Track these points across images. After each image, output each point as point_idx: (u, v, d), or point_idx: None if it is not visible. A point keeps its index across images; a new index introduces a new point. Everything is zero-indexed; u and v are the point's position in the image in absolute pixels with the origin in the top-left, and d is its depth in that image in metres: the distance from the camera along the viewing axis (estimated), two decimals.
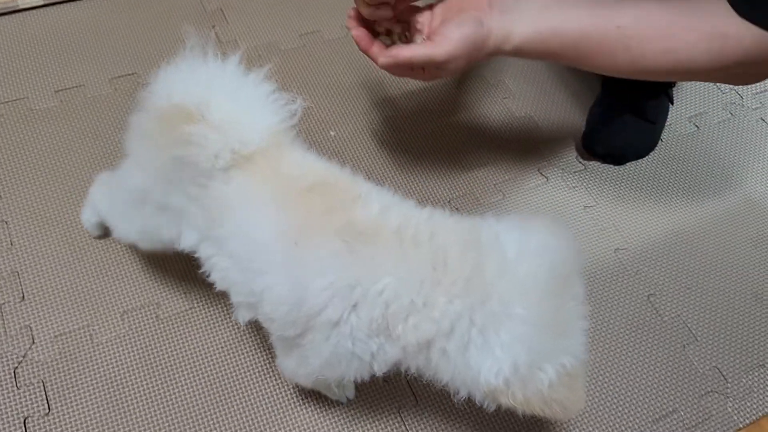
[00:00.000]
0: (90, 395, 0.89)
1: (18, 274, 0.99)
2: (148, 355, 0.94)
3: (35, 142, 1.14)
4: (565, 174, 1.23)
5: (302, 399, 0.92)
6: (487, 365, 0.64)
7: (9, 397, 0.88)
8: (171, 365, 0.93)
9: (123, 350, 0.93)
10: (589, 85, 1.34)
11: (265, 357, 0.94)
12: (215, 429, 0.89)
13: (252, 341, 0.96)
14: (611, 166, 1.25)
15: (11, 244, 1.02)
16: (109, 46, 1.28)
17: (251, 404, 0.91)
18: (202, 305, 0.99)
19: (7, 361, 0.91)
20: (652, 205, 1.20)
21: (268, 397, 0.92)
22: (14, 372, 0.90)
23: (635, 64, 0.86)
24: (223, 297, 0.80)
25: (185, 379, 0.92)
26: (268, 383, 0.93)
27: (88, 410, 0.88)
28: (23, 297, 0.97)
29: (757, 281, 1.12)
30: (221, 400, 0.91)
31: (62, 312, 0.96)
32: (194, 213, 0.73)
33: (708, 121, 1.34)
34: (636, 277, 1.11)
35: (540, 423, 0.72)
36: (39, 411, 0.87)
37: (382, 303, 0.65)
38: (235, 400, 0.91)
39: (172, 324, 0.96)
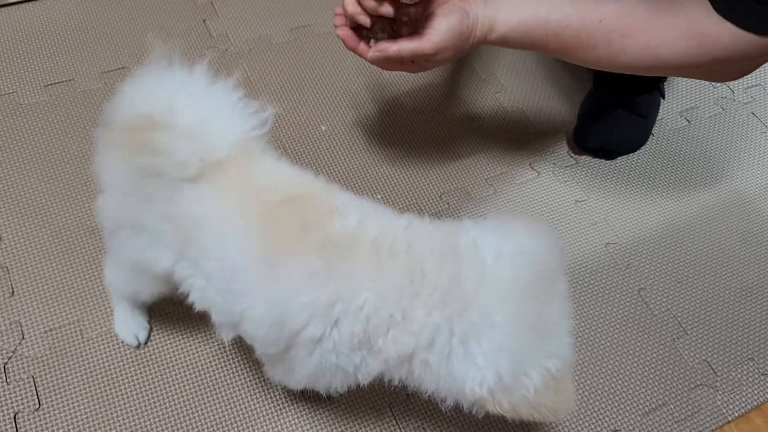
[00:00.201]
0: (80, 390, 0.89)
1: (7, 270, 0.98)
2: (139, 350, 0.93)
3: (24, 136, 1.13)
4: (557, 168, 1.23)
5: (293, 395, 0.92)
6: (470, 375, 0.63)
7: None
8: (161, 360, 0.93)
9: (113, 345, 0.93)
10: (581, 79, 1.34)
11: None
12: (206, 424, 0.89)
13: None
14: (602, 160, 1.25)
15: (0, 240, 1.01)
16: (99, 40, 1.28)
17: (242, 399, 0.91)
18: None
19: None
20: (643, 199, 1.21)
21: (259, 393, 0.92)
22: (4, 368, 0.90)
23: (615, 58, 0.87)
24: None
25: (175, 375, 0.92)
26: (259, 378, 0.93)
27: (79, 405, 0.88)
28: (13, 292, 0.96)
29: (746, 275, 1.13)
30: (212, 395, 0.91)
31: (52, 307, 0.95)
32: (168, 233, 0.71)
33: (699, 115, 1.34)
34: (626, 271, 1.11)
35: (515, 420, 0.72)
36: (29, 406, 0.87)
37: (363, 318, 0.64)
38: (226, 395, 0.91)
39: (162, 319, 0.96)
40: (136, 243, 0.75)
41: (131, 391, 0.90)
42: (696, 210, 1.20)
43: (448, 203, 1.15)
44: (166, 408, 0.89)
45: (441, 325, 0.63)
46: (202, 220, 0.69)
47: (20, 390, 0.88)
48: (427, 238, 0.68)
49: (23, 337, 0.93)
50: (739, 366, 1.03)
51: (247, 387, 0.92)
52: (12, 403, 0.87)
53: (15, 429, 0.85)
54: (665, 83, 1.31)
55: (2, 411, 0.86)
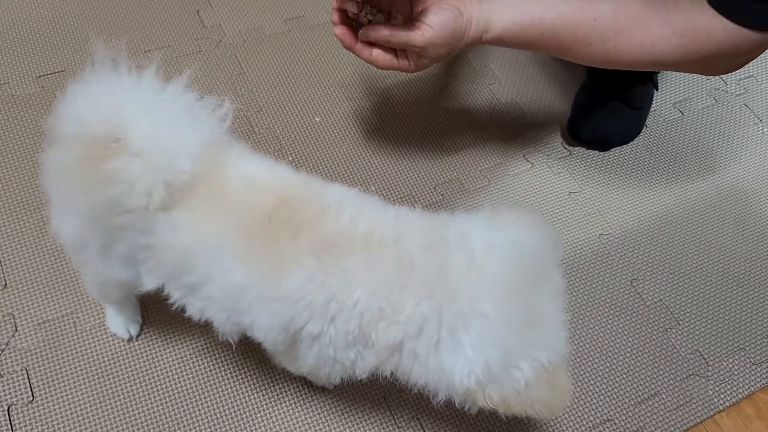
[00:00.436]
0: (74, 383, 0.89)
1: (0, 262, 0.98)
2: (132, 342, 0.93)
3: (16, 128, 1.12)
4: (551, 160, 1.23)
5: (289, 385, 0.92)
6: (459, 366, 0.64)
7: None
8: (155, 352, 0.93)
9: (107, 337, 0.93)
10: (575, 71, 1.34)
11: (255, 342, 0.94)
12: (199, 415, 0.89)
13: None
14: (596, 152, 1.25)
15: None
16: (91, 31, 1.27)
17: (236, 390, 0.91)
18: None
19: None
20: (637, 190, 1.21)
21: (253, 384, 0.92)
22: None
23: (610, 55, 0.88)
24: None
25: (168, 366, 0.92)
26: (253, 370, 0.93)
27: (73, 398, 0.88)
28: (5, 285, 0.96)
29: (738, 265, 1.14)
30: (205, 387, 0.91)
31: (45, 299, 0.95)
32: (151, 264, 0.69)
33: (692, 106, 1.35)
34: (620, 262, 1.12)
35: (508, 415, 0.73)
36: (23, 399, 0.87)
37: (357, 314, 0.64)
38: (219, 386, 0.91)
39: (156, 311, 0.96)
40: (108, 266, 0.73)
41: (125, 383, 0.90)
42: (689, 201, 1.21)
43: (442, 194, 1.15)
44: (159, 400, 0.89)
45: (429, 315, 0.64)
46: (191, 251, 0.66)
47: (13, 382, 0.88)
48: (415, 229, 0.68)
49: (16, 330, 0.92)
50: (731, 356, 1.04)
51: (241, 378, 0.92)
52: (5, 395, 0.87)
53: (8, 421, 0.85)
54: (659, 75, 1.31)
55: None
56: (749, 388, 1.01)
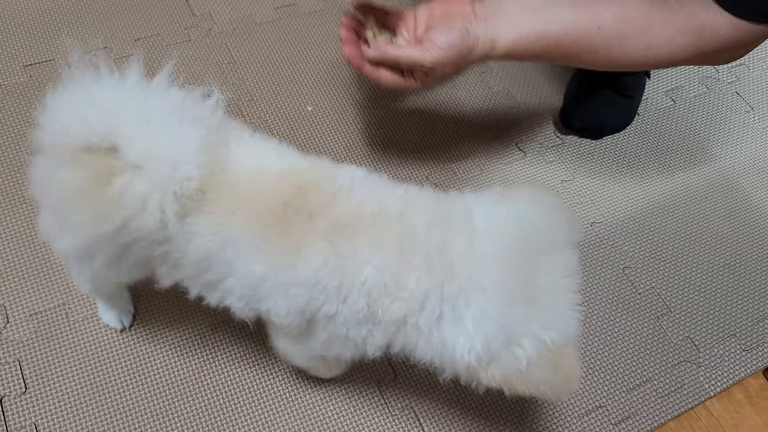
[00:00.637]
0: (67, 373, 0.89)
1: None
2: (125, 332, 0.93)
3: (3, 118, 1.11)
4: (543, 149, 1.23)
5: (283, 374, 0.92)
6: (460, 341, 0.64)
7: None
8: (148, 342, 0.93)
9: (99, 328, 0.93)
10: None
11: (253, 328, 0.94)
12: (192, 404, 0.89)
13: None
14: (588, 140, 1.25)
15: None
16: (80, 20, 1.25)
17: (229, 379, 0.91)
18: None
19: None
20: (629, 178, 1.21)
21: (246, 373, 0.92)
22: None
23: (616, 60, 0.88)
24: None
25: (162, 356, 0.92)
26: (248, 359, 0.93)
27: (65, 388, 0.88)
28: None
29: (729, 253, 1.14)
30: (200, 375, 0.91)
31: (37, 290, 0.95)
32: (166, 268, 0.69)
33: (684, 95, 1.35)
34: (612, 250, 1.12)
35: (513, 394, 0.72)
36: (15, 390, 0.87)
37: (365, 293, 0.65)
38: (213, 375, 0.91)
39: (149, 300, 0.96)
40: (114, 272, 0.72)
41: (118, 373, 0.90)
42: (680, 188, 1.21)
43: (435, 184, 1.15)
44: (152, 389, 0.89)
45: (430, 290, 0.64)
46: (210, 252, 0.65)
47: (6, 374, 0.88)
48: (420, 207, 0.68)
49: (8, 321, 0.92)
50: (722, 342, 1.05)
51: (234, 367, 0.92)
52: None
53: (1, 413, 0.85)
54: None
55: None
56: (740, 373, 1.02)
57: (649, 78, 1.30)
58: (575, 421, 0.94)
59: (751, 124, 1.32)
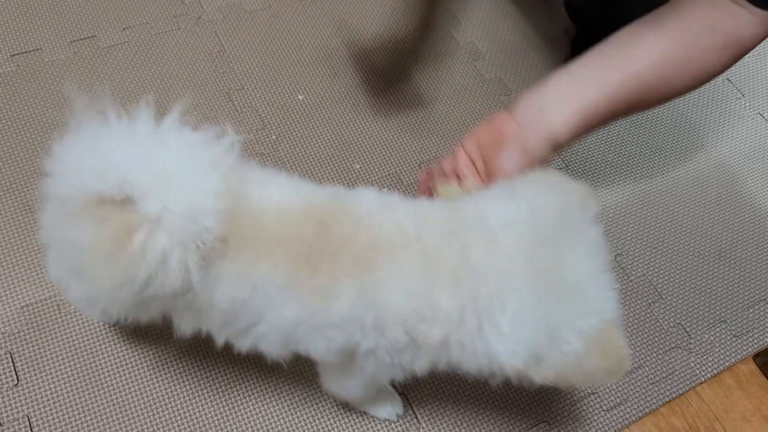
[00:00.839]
0: (59, 365, 0.88)
1: None
2: (116, 324, 0.93)
3: None
4: None
5: (281, 369, 0.92)
6: (504, 348, 0.62)
7: None
8: (141, 332, 0.92)
9: (91, 320, 0.92)
10: (559, 46, 1.34)
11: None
12: (184, 397, 0.89)
13: None
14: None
15: None
16: (68, 8, 1.24)
17: (226, 371, 0.91)
18: None
19: None
20: (620, 166, 1.22)
21: (246, 366, 0.92)
22: None
23: (666, 96, 0.85)
24: None
25: (155, 346, 0.92)
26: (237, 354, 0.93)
27: (58, 380, 0.87)
28: None
29: (720, 240, 1.15)
30: (193, 368, 0.91)
31: (28, 282, 0.94)
32: (191, 317, 0.67)
33: None
34: (604, 237, 1.12)
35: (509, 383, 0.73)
36: (7, 382, 0.86)
37: (401, 323, 0.64)
38: (209, 368, 0.91)
39: None
40: (132, 315, 0.70)
41: (109, 365, 0.90)
42: (672, 176, 1.22)
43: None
44: (144, 381, 0.89)
45: (464, 304, 0.62)
46: (238, 300, 0.63)
47: None
48: (433, 220, 0.66)
49: None
50: (712, 328, 1.06)
51: (230, 360, 0.92)
52: None
53: None
54: None
55: None
56: (730, 359, 1.03)
57: None
58: (568, 408, 0.95)
59: (742, 111, 1.33)
